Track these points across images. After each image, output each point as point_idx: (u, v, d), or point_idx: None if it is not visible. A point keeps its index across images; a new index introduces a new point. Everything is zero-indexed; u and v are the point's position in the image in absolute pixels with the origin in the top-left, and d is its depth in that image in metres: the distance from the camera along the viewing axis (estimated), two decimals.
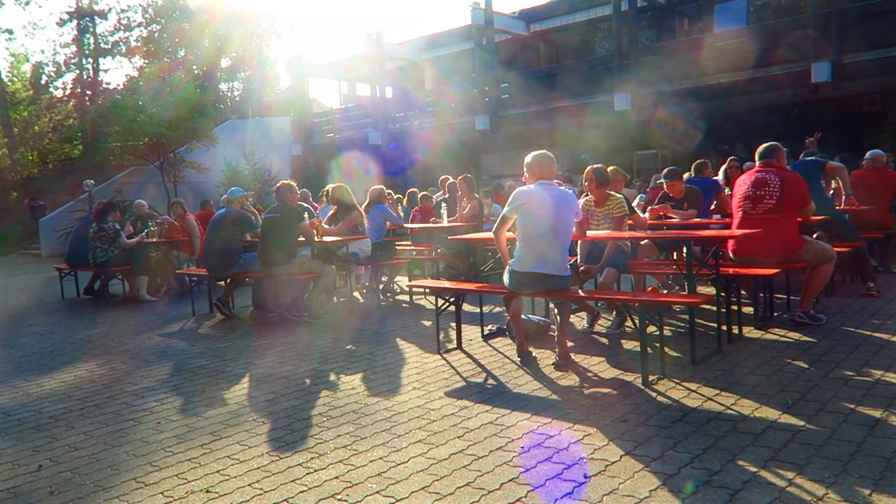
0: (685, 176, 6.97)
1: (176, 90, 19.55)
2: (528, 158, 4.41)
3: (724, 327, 4.73)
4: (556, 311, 4.48)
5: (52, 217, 18.63)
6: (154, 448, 3.31)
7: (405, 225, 8.67)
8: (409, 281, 7.59)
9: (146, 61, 26.82)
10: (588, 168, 5.29)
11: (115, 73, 36.87)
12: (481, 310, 5.59)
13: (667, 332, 5.06)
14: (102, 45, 27.78)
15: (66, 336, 6.51)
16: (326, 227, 7.08)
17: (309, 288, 6.65)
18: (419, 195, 10.07)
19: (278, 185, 6.72)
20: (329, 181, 12.67)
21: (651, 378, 3.89)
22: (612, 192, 5.31)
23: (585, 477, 2.67)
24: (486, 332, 5.44)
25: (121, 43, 27.91)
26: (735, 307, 5.02)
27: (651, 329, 4.22)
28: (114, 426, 3.69)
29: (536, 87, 16.35)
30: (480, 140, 17.51)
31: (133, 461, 3.16)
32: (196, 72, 25.93)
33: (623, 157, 14.59)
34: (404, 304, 7.37)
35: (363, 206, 7.65)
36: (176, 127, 18.01)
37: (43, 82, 27.89)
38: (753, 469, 2.66)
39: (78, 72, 27.69)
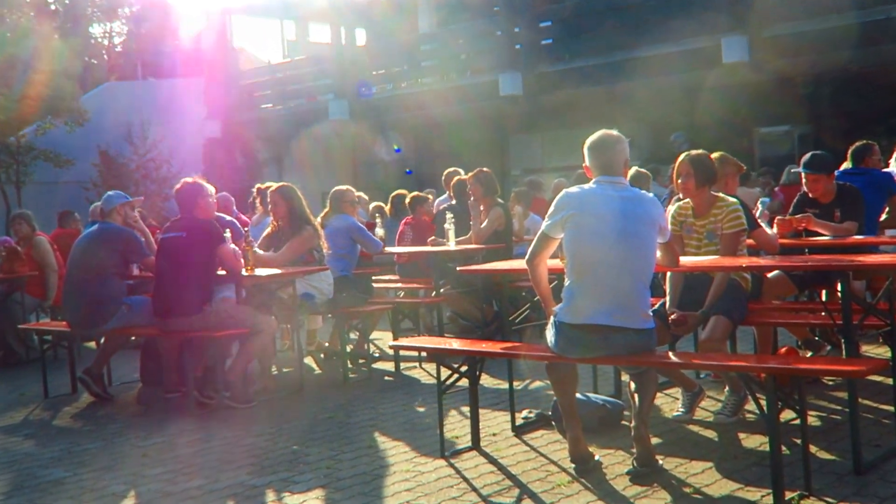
0: (840, 168, 7.00)
1: (20, 37, 19.78)
2: (588, 142, 4.44)
3: None
4: (632, 386, 4.48)
5: None
6: None
7: (388, 248, 8.69)
8: (395, 339, 7.58)
9: None
10: (682, 156, 5.33)
11: None
12: (511, 385, 5.57)
13: (813, 420, 5.03)
14: None
15: None
16: (261, 252, 7.11)
17: (232, 352, 6.65)
18: (408, 198, 10.09)
19: (180, 185, 6.76)
20: (267, 179, 12.76)
21: (790, 496, 3.87)
22: (721, 194, 5.34)
23: None
24: (518, 422, 5.43)
25: None
26: None
27: (788, 415, 4.20)
28: None
29: (595, 30, 16.48)
30: (509, 111, 17.62)
31: None
32: (53, 7, 26.31)
33: (737, 139, 14.63)
34: (387, 377, 7.37)
35: (320, 219, 7.68)
36: (20, 96, 18.20)
37: None
38: None
39: None
